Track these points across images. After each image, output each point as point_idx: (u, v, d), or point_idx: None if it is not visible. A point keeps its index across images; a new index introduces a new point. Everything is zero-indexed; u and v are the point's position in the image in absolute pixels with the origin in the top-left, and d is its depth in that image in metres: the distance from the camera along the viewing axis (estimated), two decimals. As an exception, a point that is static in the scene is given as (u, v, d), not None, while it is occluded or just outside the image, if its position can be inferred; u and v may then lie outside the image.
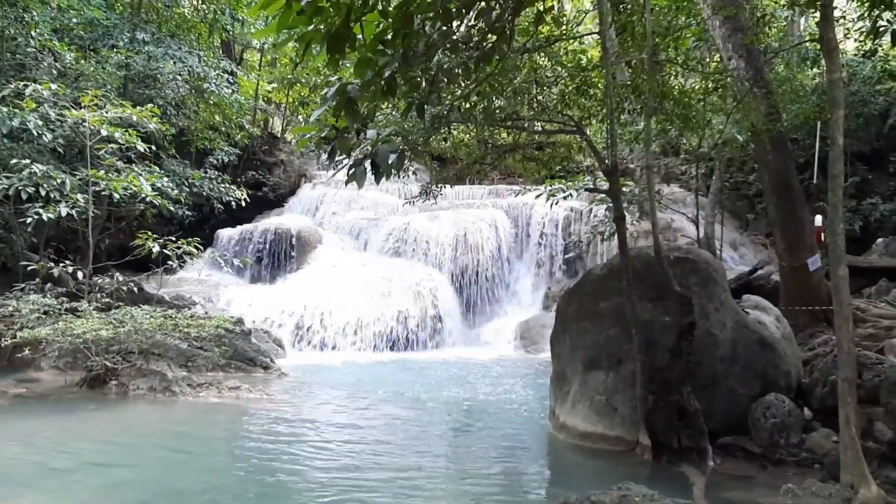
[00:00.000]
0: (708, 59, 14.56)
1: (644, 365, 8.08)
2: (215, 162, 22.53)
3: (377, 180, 5.10)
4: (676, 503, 4.89)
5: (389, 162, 4.77)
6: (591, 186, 13.37)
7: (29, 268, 13.68)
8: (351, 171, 4.89)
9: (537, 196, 13.37)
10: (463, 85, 7.85)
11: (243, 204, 20.19)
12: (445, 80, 5.88)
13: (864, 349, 9.25)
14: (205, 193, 19.67)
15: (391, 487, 7.12)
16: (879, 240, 18.08)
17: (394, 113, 10.08)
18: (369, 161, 4.81)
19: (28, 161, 13.51)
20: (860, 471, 5.51)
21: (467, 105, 8.98)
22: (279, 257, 21.87)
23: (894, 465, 6.75)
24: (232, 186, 20.25)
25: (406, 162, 6.46)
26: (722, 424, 8.18)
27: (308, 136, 5.31)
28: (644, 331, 8.21)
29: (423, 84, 5.35)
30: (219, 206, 20.40)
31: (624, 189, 13.13)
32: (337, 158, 5.10)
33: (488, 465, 8.10)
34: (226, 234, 22.54)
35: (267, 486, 7.08)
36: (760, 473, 7.57)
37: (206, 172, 20.63)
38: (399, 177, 7.74)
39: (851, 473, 5.55)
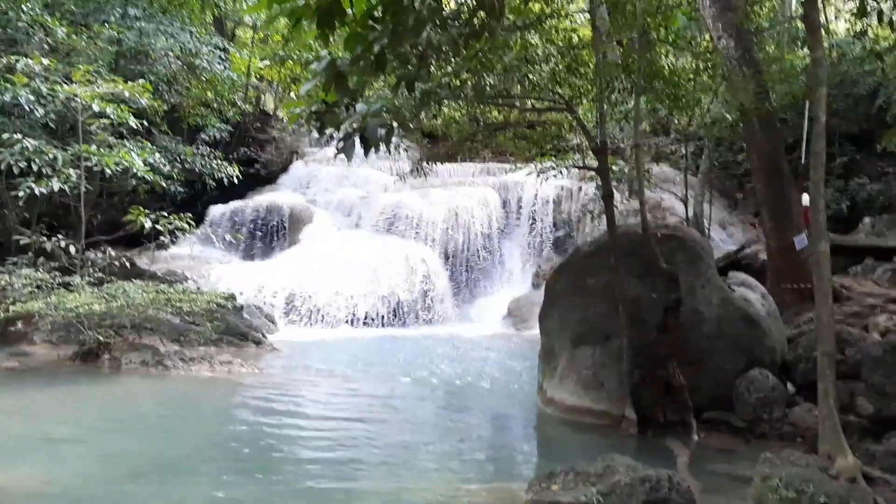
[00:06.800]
0: (698, 39, 14.58)
1: (631, 340, 8.20)
2: (207, 138, 22.42)
3: (366, 154, 5.15)
4: (659, 473, 4.99)
5: (378, 136, 4.82)
6: (581, 164, 13.41)
7: (21, 242, 13.71)
8: (340, 146, 4.94)
9: (528, 174, 13.41)
10: (453, 62, 7.88)
11: (235, 181, 20.16)
12: (435, 56, 5.92)
13: (849, 326, 9.37)
14: (197, 170, 19.66)
15: (380, 462, 7.24)
16: (866, 219, 18.24)
17: (384, 88, 10.11)
18: (358, 135, 4.86)
19: (20, 136, 13.51)
20: (838, 442, 5.61)
21: (458, 82, 9.01)
22: (271, 234, 21.85)
23: (875, 439, 6.89)
24: (224, 163, 20.20)
25: (396, 138, 6.50)
26: (707, 399, 8.31)
27: (298, 110, 5.36)
28: (631, 307, 8.32)
29: (413, 60, 5.39)
30: (211, 182, 20.36)
31: (613, 168, 13.21)
32: (327, 133, 5.15)
33: (477, 439, 8.22)
34: (217, 210, 22.48)
35: (258, 459, 7.18)
36: (743, 447, 7.72)
37: (197, 149, 20.58)
38: (389, 152, 7.80)
39: (829, 444, 5.66)
